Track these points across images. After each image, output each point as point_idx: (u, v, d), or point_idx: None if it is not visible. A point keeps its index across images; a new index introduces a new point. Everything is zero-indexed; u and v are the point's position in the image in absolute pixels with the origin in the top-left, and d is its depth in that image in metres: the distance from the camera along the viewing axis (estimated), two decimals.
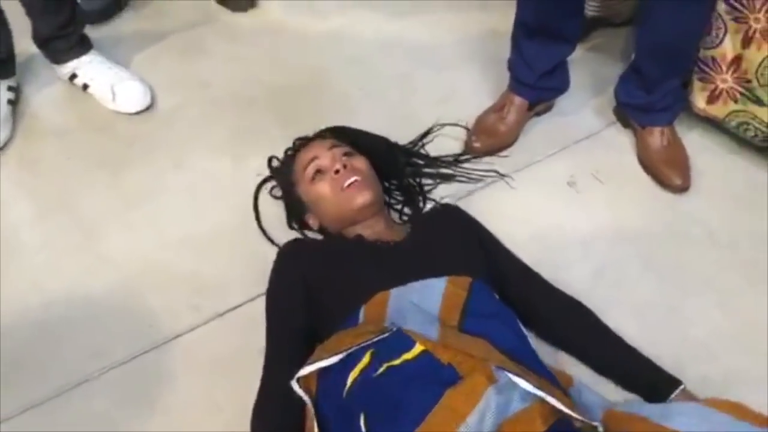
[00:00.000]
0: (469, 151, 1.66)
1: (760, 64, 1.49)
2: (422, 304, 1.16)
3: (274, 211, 1.55)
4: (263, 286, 1.34)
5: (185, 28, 1.98)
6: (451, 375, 1.03)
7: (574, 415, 1.02)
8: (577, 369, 1.30)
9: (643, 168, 1.64)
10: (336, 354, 1.08)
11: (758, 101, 1.53)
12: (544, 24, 1.55)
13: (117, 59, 1.82)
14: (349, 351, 1.08)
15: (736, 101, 1.57)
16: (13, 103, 1.73)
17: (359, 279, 1.23)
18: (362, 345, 1.07)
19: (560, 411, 1.02)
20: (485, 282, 1.25)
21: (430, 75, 1.89)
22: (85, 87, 1.76)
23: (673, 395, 1.23)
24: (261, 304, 1.33)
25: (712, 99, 1.61)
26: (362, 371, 1.06)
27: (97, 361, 1.33)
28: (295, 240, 1.43)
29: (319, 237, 1.47)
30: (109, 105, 1.75)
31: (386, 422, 0.99)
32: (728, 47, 1.53)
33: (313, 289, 1.27)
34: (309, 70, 1.90)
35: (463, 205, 1.52)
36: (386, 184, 1.58)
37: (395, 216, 1.56)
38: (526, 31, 1.59)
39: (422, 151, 1.68)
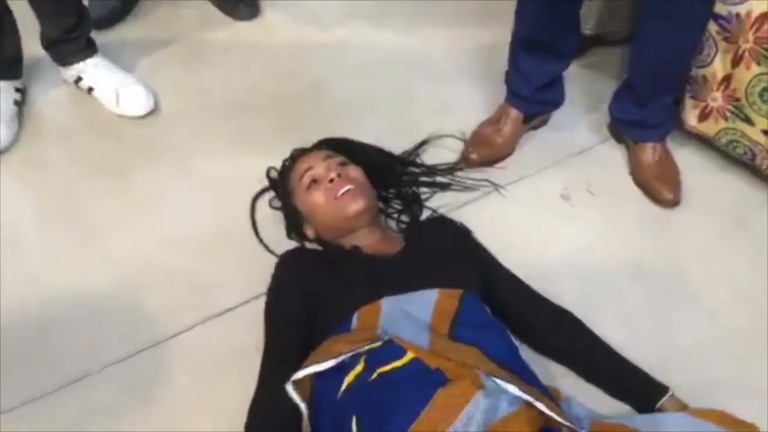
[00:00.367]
0: (466, 162, 1.69)
1: (748, 84, 1.54)
2: (414, 314, 1.19)
3: (273, 219, 1.58)
4: (261, 286, 1.38)
5: (189, 36, 2.02)
6: (440, 378, 1.06)
7: (561, 420, 1.05)
8: (566, 381, 1.33)
9: (635, 183, 1.68)
10: (330, 359, 1.11)
11: (747, 120, 1.57)
12: (541, 40, 1.59)
13: (122, 64, 1.85)
14: (343, 357, 1.11)
15: (726, 119, 1.61)
16: (19, 104, 1.76)
17: (354, 288, 1.26)
18: (355, 352, 1.10)
19: (548, 417, 1.05)
20: (476, 294, 1.28)
21: (429, 87, 1.92)
22: (90, 90, 1.79)
23: (661, 402, 1.26)
24: (258, 304, 1.36)
25: (702, 117, 1.65)
26: (357, 377, 1.09)
27: (97, 358, 1.35)
28: (294, 249, 1.46)
29: (317, 247, 1.49)
30: (113, 108, 1.78)
31: (378, 424, 1.02)
32: (719, 66, 1.58)
33: (310, 297, 1.30)
34: (310, 79, 1.93)
35: (457, 215, 1.56)
36: (383, 193, 1.61)
37: (392, 224, 1.59)
38: (522, 47, 1.63)
39: (418, 160, 1.72)
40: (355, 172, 1.45)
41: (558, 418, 1.05)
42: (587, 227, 1.60)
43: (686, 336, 1.41)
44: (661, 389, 1.28)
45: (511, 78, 1.70)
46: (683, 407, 1.26)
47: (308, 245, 1.51)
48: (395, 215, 1.60)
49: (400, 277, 1.27)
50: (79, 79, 1.79)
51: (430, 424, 1.00)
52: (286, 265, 1.39)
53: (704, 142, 1.73)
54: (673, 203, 1.62)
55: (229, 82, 1.91)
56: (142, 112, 1.77)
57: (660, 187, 1.63)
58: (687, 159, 1.72)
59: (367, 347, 1.10)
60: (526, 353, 1.30)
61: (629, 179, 1.69)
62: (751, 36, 1.49)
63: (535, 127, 1.78)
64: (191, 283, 1.47)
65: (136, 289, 1.46)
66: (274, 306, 1.34)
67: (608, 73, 1.95)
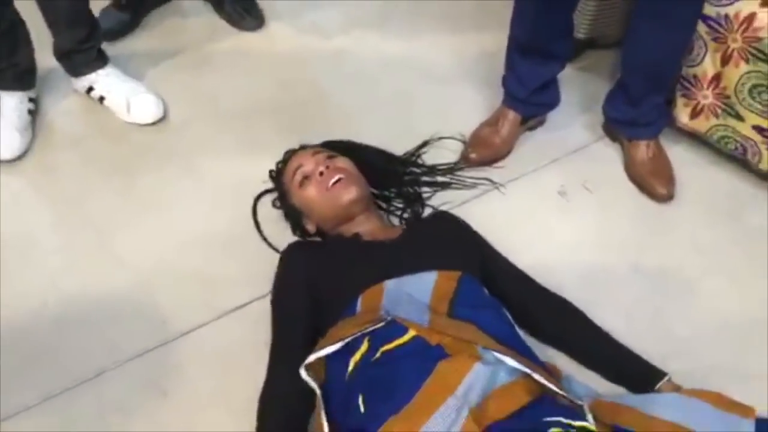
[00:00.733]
0: (466, 162, 1.75)
1: (738, 81, 1.59)
2: (414, 295, 1.25)
3: (279, 218, 1.63)
4: (269, 284, 1.43)
5: (196, 46, 2.08)
6: (440, 352, 1.11)
7: (558, 390, 1.10)
8: (564, 360, 1.37)
9: (629, 179, 1.73)
10: (337, 342, 1.17)
11: (738, 116, 1.63)
12: (536, 43, 1.65)
13: (131, 74, 1.91)
14: (349, 339, 1.16)
15: (717, 116, 1.67)
16: (33, 113, 1.82)
17: (357, 274, 1.31)
18: (360, 333, 1.16)
19: (545, 388, 1.10)
20: (474, 277, 1.33)
21: (428, 92, 1.98)
22: (102, 99, 1.85)
23: (658, 386, 1.30)
24: (267, 301, 1.42)
25: (694, 114, 1.71)
26: (362, 357, 1.14)
27: (113, 356, 1.40)
28: (295, 243, 1.51)
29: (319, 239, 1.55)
30: (123, 116, 1.84)
31: (383, 399, 1.07)
32: (708, 65, 1.63)
33: (314, 287, 1.35)
34: (312, 86, 2.00)
35: (458, 213, 1.60)
36: (386, 193, 1.67)
37: (395, 221, 1.64)
38: (519, 50, 1.69)
39: (420, 161, 1.77)
40: (342, 162, 1.50)
41: (554, 388, 1.10)
42: (584, 222, 1.65)
43: (683, 325, 1.45)
44: (659, 374, 1.31)
45: (507, 81, 1.75)
46: (676, 390, 1.30)
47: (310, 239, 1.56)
48: (398, 213, 1.66)
49: (401, 260, 1.32)
50: (90, 89, 1.85)
51: (432, 394, 1.05)
52: (288, 258, 1.44)
53: (696, 138, 1.78)
54: (668, 197, 1.67)
55: (236, 90, 1.97)
56: (152, 119, 1.84)
57: (654, 182, 1.68)
58: (680, 155, 1.77)
59: (371, 328, 1.16)
60: (525, 339, 1.33)
61: (624, 175, 1.74)
62: (739, 36, 1.54)
63: (532, 128, 1.83)
64: (202, 282, 1.52)
65: (150, 289, 1.51)
66: (279, 298, 1.39)
67: (601, 75, 2.01)
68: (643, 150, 1.70)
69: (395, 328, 1.16)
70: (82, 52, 1.80)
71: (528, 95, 1.72)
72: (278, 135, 1.83)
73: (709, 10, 1.57)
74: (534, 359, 1.21)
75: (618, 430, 1.15)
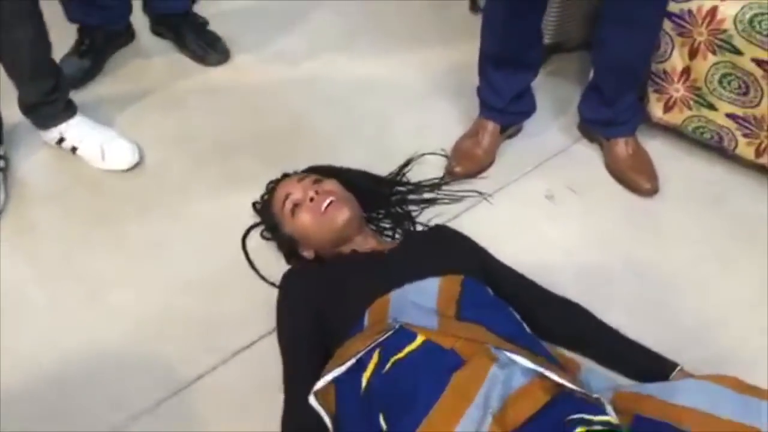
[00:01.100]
0: (451, 176, 1.76)
1: (707, 73, 1.64)
2: (420, 302, 1.25)
3: (271, 249, 1.61)
4: (273, 320, 1.40)
5: (163, 86, 2.05)
6: (455, 359, 1.11)
7: (573, 387, 1.10)
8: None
9: (612, 177, 1.76)
10: (345, 362, 1.15)
11: (710, 106, 1.68)
12: (508, 53, 1.68)
13: (101, 121, 1.87)
14: (357, 356, 1.15)
15: (690, 108, 1.71)
16: (4, 170, 1.76)
17: (359, 288, 1.31)
18: (370, 347, 1.15)
19: (560, 384, 1.10)
20: (477, 279, 1.34)
21: (403, 110, 1.99)
22: (74, 149, 1.80)
23: (671, 377, 1.31)
24: (274, 337, 1.39)
25: (667, 108, 1.75)
26: (374, 372, 1.13)
27: (122, 412, 1.35)
28: (292, 269, 1.50)
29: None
30: (99, 164, 1.79)
31: (402, 414, 1.06)
32: (677, 60, 1.68)
33: (319, 311, 1.34)
34: (287, 114, 1.99)
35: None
36: (374, 215, 1.66)
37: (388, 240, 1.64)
38: (491, 62, 1.71)
39: (405, 180, 1.77)
40: (330, 184, 1.50)
41: (570, 385, 1.10)
42: (575, 224, 1.68)
43: (686, 315, 1.48)
44: (671, 365, 1.33)
45: (483, 92, 1.77)
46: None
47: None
48: (389, 233, 1.65)
49: (403, 269, 1.32)
50: (61, 140, 1.80)
51: (452, 405, 1.05)
52: (288, 285, 1.43)
53: (671, 131, 1.82)
54: (652, 192, 1.70)
55: (210, 126, 1.95)
56: (128, 165, 1.80)
57: (637, 178, 1.71)
58: (657, 149, 1.81)
59: (380, 339, 1.15)
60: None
61: (606, 174, 1.78)
62: (704, 29, 1.59)
63: (511, 136, 1.86)
64: (204, 325, 1.49)
65: (150, 339, 1.47)
66: (284, 326, 1.38)
67: (569, 78, 2.05)
68: (622, 147, 1.74)
69: (404, 334, 1.15)
70: (50, 104, 1.76)
71: (505, 105, 1.75)
72: (259, 167, 1.80)
73: (672, 6, 1.62)
74: (546, 354, 1.22)
75: (639, 419, 1.15)
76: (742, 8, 1.53)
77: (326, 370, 1.18)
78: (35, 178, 1.81)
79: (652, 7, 1.56)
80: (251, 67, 2.14)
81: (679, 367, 1.33)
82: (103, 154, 1.78)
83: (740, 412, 1.14)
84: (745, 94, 1.61)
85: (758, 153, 1.67)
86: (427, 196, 1.73)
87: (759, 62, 1.55)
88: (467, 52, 2.06)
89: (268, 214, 1.57)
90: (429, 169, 1.80)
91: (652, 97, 1.76)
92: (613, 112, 1.72)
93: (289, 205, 1.47)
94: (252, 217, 1.67)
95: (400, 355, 1.13)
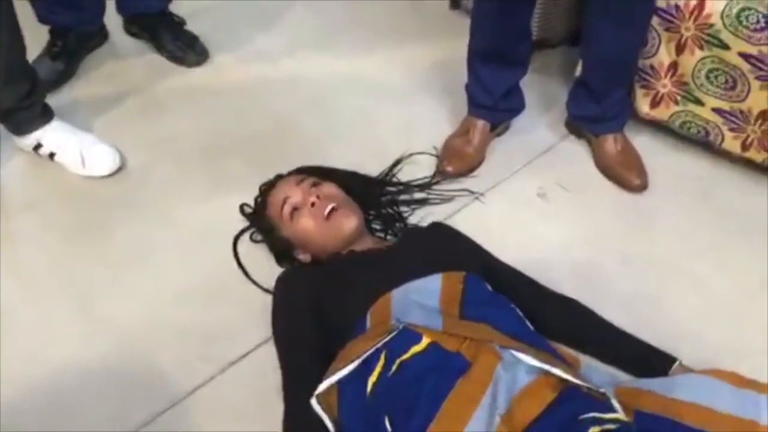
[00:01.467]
0: (442, 175, 1.74)
1: (694, 68, 1.65)
2: (423, 300, 1.23)
3: (262, 253, 1.58)
4: (269, 327, 1.38)
5: (141, 88, 2.00)
6: (461, 362, 1.10)
7: (578, 382, 1.10)
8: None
9: (602, 173, 1.76)
10: (349, 364, 1.13)
11: (697, 101, 1.69)
12: (498, 49, 1.67)
13: (78, 125, 1.81)
14: (362, 357, 1.13)
15: (677, 103, 1.73)
16: None
17: (359, 288, 1.29)
18: (374, 347, 1.13)
19: (566, 380, 1.10)
20: (478, 276, 1.32)
21: (389, 108, 1.97)
22: (52, 155, 1.74)
23: (671, 371, 1.32)
24: (271, 345, 1.36)
25: (654, 103, 1.76)
26: (380, 374, 1.12)
27: (119, 427, 1.31)
28: (288, 270, 1.48)
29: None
30: (79, 171, 1.73)
31: (408, 418, 1.05)
32: (664, 55, 1.69)
33: (319, 309, 1.32)
34: (271, 115, 1.95)
35: None
36: (365, 216, 1.64)
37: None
38: (480, 58, 1.70)
39: (394, 179, 1.75)
40: (330, 188, 1.48)
41: (575, 380, 1.10)
42: (567, 221, 1.68)
43: (682, 310, 1.49)
44: (670, 359, 1.33)
45: (472, 90, 1.76)
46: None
47: None
48: (381, 235, 1.63)
49: (402, 267, 1.31)
50: (38, 146, 1.74)
51: (459, 408, 1.04)
52: (285, 287, 1.40)
53: (658, 126, 1.84)
54: (642, 188, 1.71)
55: (191, 128, 1.90)
56: (109, 170, 1.74)
57: (627, 174, 1.72)
58: (644, 144, 1.82)
59: (384, 340, 1.13)
60: None
61: (595, 171, 1.78)
62: (691, 24, 1.60)
63: (499, 134, 1.85)
64: (198, 335, 1.45)
65: (143, 350, 1.43)
66: (281, 329, 1.35)
67: (554, 74, 2.05)
68: (611, 144, 1.74)
69: (409, 335, 1.14)
70: (25, 109, 1.69)
71: (495, 102, 1.74)
72: (246, 170, 1.78)
73: (659, 1, 1.62)
74: (550, 350, 1.22)
75: (640, 415, 1.16)
76: (729, 2, 1.54)
77: (329, 372, 1.16)
78: (12, 186, 1.74)
79: (641, 2, 1.56)
80: (231, 67, 2.09)
81: (678, 362, 1.33)
82: (83, 160, 1.73)
83: (739, 406, 1.16)
84: (732, 88, 1.62)
85: (744, 147, 1.69)
86: (417, 196, 1.72)
87: (746, 56, 1.56)
88: (450, 48, 2.07)
89: (262, 217, 1.53)
90: (419, 169, 1.78)
91: (639, 92, 1.77)
92: (602, 108, 1.72)
93: (288, 208, 1.44)
94: (241, 222, 1.63)
95: (406, 356, 1.12)
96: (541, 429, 1.03)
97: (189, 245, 1.62)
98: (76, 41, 2.00)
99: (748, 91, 1.60)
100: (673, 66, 1.69)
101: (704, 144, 1.78)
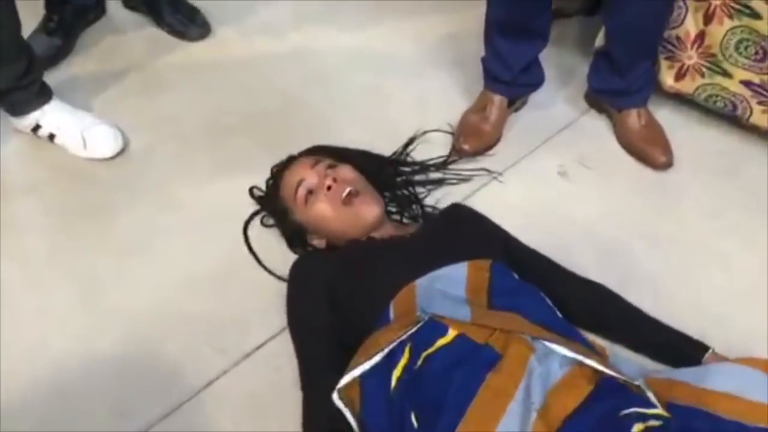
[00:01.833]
0: (459, 154, 1.67)
1: (723, 38, 1.57)
2: (448, 290, 1.18)
3: (274, 237, 1.52)
4: (283, 317, 1.32)
5: (141, 64, 1.92)
6: (490, 354, 1.05)
7: (614, 374, 1.06)
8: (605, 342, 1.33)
9: (625, 149, 1.70)
10: (372, 357, 1.09)
11: (725, 73, 1.62)
12: (517, 21, 1.58)
13: (78, 104, 1.73)
14: (386, 350, 1.08)
15: (703, 75, 1.65)
16: None
17: (382, 277, 1.23)
18: (399, 340, 1.08)
19: (600, 371, 1.05)
20: (503, 263, 1.28)
21: (399, 83, 1.89)
22: (52, 137, 1.67)
23: (704, 359, 1.27)
24: (286, 336, 1.31)
25: (679, 76, 1.69)
26: (404, 368, 1.07)
27: (130, 422, 1.26)
28: (304, 255, 1.42)
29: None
30: (80, 153, 1.66)
31: (437, 414, 1.01)
32: (690, 25, 1.61)
33: (337, 297, 1.27)
34: (278, 91, 1.87)
35: None
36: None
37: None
38: (499, 30, 1.62)
39: (409, 159, 1.69)
40: (347, 171, 1.41)
41: (610, 372, 1.06)
42: (590, 201, 1.61)
43: (712, 294, 1.43)
44: (702, 347, 1.29)
45: (490, 64, 1.68)
46: (724, 361, 1.28)
47: None
48: (396, 218, 1.57)
49: (426, 256, 1.25)
50: (37, 128, 1.66)
51: (491, 403, 1.00)
52: (300, 273, 1.35)
53: (679, 99, 1.76)
54: (668, 165, 1.64)
55: (195, 106, 1.82)
56: (112, 152, 1.67)
57: (652, 150, 1.65)
58: (666, 118, 1.74)
59: (409, 332, 1.08)
60: None
61: (618, 147, 1.71)
62: None
63: (517, 109, 1.78)
64: (210, 325, 1.39)
65: (152, 342, 1.37)
66: (298, 319, 1.30)
67: (571, 46, 1.98)
68: (635, 119, 1.67)
69: (435, 327, 1.09)
70: (23, 88, 1.61)
71: (513, 77, 1.66)
72: (253, 149, 1.71)
73: None
74: (581, 340, 1.18)
75: (673, 407, 1.11)
76: None
77: (351, 366, 1.11)
78: (12, 170, 1.67)
79: None
80: (234, 41, 2.01)
81: (711, 350, 1.29)
82: (84, 142, 1.65)
83: None
84: (762, 60, 1.55)
85: None
86: (433, 176, 1.65)
87: None
88: (461, 18, 1.99)
89: (274, 200, 1.47)
90: (433, 148, 1.71)
91: (664, 64, 1.69)
92: (625, 82, 1.64)
93: (302, 191, 1.37)
94: (251, 204, 1.57)
95: (431, 350, 1.07)
96: (579, 423, 0.98)
97: (196, 230, 1.55)
98: (72, 15, 1.92)
99: None
100: (700, 36, 1.61)
101: (730, 118, 1.71)
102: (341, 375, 1.10)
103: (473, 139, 1.68)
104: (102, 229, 1.55)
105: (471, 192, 1.63)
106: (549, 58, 1.88)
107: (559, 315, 1.23)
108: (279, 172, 1.49)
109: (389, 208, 1.57)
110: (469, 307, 1.14)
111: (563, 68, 1.90)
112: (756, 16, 1.50)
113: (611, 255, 1.50)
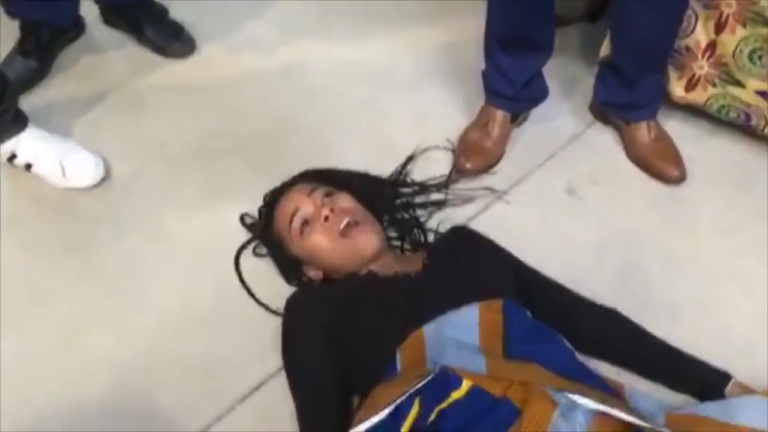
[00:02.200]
0: (461, 173, 1.59)
1: (735, 48, 1.50)
2: (460, 337, 1.10)
3: (267, 268, 1.43)
4: (278, 356, 1.24)
5: (123, 84, 1.81)
6: (509, 409, 0.98)
7: (641, 423, 0.99)
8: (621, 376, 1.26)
9: (635, 164, 1.62)
10: (381, 411, 1.00)
11: (738, 83, 1.54)
12: (519, 33, 1.51)
13: (56, 131, 1.62)
14: (395, 403, 1.00)
15: (714, 85, 1.58)
16: None
17: (387, 321, 1.15)
18: (408, 393, 1.00)
19: (626, 421, 0.98)
20: (516, 301, 1.20)
21: (395, 98, 1.81)
22: (29, 167, 1.57)
23: (726, 389, 1.21)
24: (282, 377, 1.23)
25: (690, 86, 1.61)
26: (414, 423, 0.99)
27: None
28: (300, 290, 1.34)
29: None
30: (59, 182, 1.57)
31: None
32: (701, 34, 1.54)
33: (338, 340, 1.18)
34: (268, 110, 1.78)
35: None
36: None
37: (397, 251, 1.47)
38: (500, 43, 1.54)
39: (408, 179, 1.60)
40: (345, 200, 1.33)
41: (637, 422, 0.99)
42: (601, 219, 1.54)
43: (733, 317, 1.36)
44: (724, 377, 1.22)
45: (491, 78, 1.60)
46: (749, 392, 1.21)
47: None
48: (396, 244, 1.49)
49: (433, 296, 1.17)
50: (13, 157, 1.56)
51: None
52: (297, 310, 1.26)
53: (689, 111, 1.69)
54: (680, 179, 1.57)
55: (181, 128, 1.73)
56: (93, 180, 1.57)
57: (663, 165, 1.58)
58: (675, 130, 1.67)
59: (419, 384, 1.00)
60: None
61: (628, 161, 1.64)
62: (733, 1, 1.45)
63: (519, 124, 1.70)
64: (202, 367, 1.30)
65: (139, 387, 1.28)
66: (295, 361, 1.22)
67: (573, 55, 1.90)
68: (644, 132, 1.60)
69: (447, 379, 1.00)
70: None
71: (516, 92, 1.58)
72: (245, 173, 1.62)
73: None
74: (602, 386, 1.10)
75: None
76: None
77: (356, 421, 1.02)
78: None
79: None
80: (220, 58, 1.91)
81: (733, 380, 1.22)
82: (63, 171, 1.55)
83: None
84: None
85: None
86: (435, 197, 1.57)
87: None
88: (460, 26, 1.91)
89: (267, 231, 1.38)
90: (432, 165, 1.63)
91: (673, 75, 1.62)
92: (634, 94, 1.57)
93: (297, 222, 1.29)
94: (242, 232, 1.48)
95: (445, 404, 0.98)
96: None
97: (184, 262, 1.46)
98: (49, 36, 1.81)
99: None
100: (711, 46, 1.54)
101: (741, 129, 1.64)
102: (341, 425, 1.04)
103: (475, 157, 1.59)
104: (85, 266, 1.45)
105: (475, 213, 1.55)
106: (551, 68, 1.79)
107: (578, 358, 1.15)
108: (272, 200, 1.41)
109: (390, 233, 1.49)
110: (484, 356, 1.06)
111: (566, 79, 1.82)
112: None
113: (626, 277, 1.43)
